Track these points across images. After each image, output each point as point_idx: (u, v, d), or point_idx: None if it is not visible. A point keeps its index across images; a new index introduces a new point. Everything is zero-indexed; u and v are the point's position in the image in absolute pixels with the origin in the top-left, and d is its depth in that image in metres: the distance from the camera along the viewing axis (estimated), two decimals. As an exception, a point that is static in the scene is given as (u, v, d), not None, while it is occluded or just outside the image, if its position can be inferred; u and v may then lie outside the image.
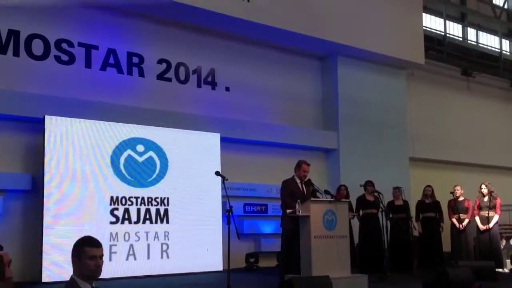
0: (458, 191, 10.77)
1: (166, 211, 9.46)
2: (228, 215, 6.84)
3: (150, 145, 9.52)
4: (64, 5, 9.44)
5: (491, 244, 10.29)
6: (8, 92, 8.59)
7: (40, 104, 8.71)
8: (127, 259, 8.93)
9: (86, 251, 2.99)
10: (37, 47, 9.20)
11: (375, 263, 9.44)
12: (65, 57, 9.46)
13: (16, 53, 8.99)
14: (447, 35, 15.65)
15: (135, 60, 10.25)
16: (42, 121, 8.48)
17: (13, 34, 8.98)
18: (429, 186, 10.73)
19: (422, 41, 13.79)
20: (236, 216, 7.97)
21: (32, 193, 8.67)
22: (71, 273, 3.09)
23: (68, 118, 8.73)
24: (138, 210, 9.19)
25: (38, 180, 8.60)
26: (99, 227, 8.71)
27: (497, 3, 17.97)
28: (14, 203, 8.59)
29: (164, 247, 9.33)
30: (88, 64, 9.68)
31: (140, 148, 9.43)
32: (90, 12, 9.75)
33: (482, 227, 10.39)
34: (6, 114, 8.56)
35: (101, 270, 3.02)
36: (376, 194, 9.48)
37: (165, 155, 9.66)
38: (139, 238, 9.10)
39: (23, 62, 9.04)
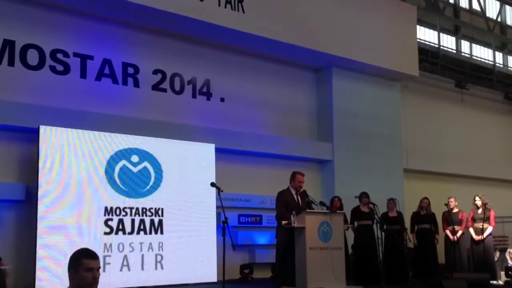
0: (452, 203, 10.80)
1: (160, 221, 9.42)
2: (223, 226, 6.84)
3: (144, 155, 9.50)
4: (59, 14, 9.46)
5: (485, 256, 10.30)
6: (2, 102, 8.55)
7: (35, 114, 8.68)
8: (121, 270, 8.87)
9: (84, 263, 2.98)
10: (32, 57, 9.19)
11: (370, 275, 9.44)
12: (60, 67, 9.45)
13: (11, 63, 8.96)
14: (441, 47, 15.74)
15: (130, 70, 10.25)
16: (36, 131, 8.44)
17: (8, 44, 8.96)
18: (425, 198, 10.75)
19: (416, 54, 13.86)
20: (230, 227, 7.96)
21: (26, 203, 8.62)
22: (66, 284, 3.07)
23: (63, 128, 8.69)
24: (133, 221, 9.14)
25: (32, 190, 8.56)
26: (93, 238, 8.66)
27: (491, 16, 18.11)
28: (7, 213, 8.53)
29: (158, 258, 9.28)
30: (83, 74, 9.67)
31: (135, 158, 9.40)
32: (85, 22, 9.75)
33: (476, 238, 10.41)
34: (0, 124, 8.52)
35: (98, 282, 3.01)
36: (371, 205, 9.49)
37: (160, 165, 9.63)
38: (133, 249, 9.05)
39: (18, 72, 9.02)
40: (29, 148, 8.72)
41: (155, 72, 10.55)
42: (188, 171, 9.90)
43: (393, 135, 13.52)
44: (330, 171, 12.47)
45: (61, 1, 9.34)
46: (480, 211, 10.54)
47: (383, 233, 9.18)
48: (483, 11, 17.68)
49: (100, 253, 8.36)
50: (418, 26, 14.60)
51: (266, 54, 11.85)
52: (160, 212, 9.44)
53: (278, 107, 12.12)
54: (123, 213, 9.06)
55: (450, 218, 10.68)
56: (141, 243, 9.14)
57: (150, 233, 9.28)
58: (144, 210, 9.29)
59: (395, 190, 12.10)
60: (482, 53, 17.59)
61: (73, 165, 8.69)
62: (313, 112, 12.87)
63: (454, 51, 16.70)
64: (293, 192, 8.06)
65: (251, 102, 11.66)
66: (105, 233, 8.83)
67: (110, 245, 8.82)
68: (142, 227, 9.21)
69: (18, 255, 8.39)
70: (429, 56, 15.21)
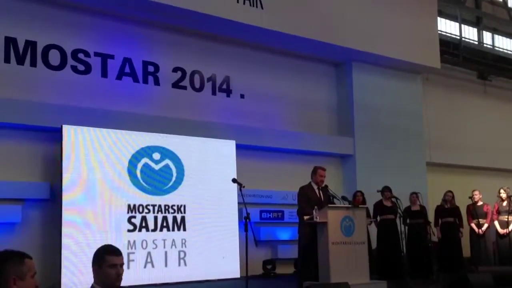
0: (477, 195, 10.69)
1: (183, 218, 9.47)
2: (245, 222, 6.85)
3: (166, 153, 9.55)
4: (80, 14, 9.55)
5: (511, 249, 10.18)
6: (25, 102, 8.67)
7: (57, 113, 8.78)
8: (145, 267, 8.94)
9: (107, 260, 3.01)
10: (54, 57, 9.29)
11: (393, 269, 9.39)
12: (81, 67, 9.54)
13: (33, 64, 9.07)
14: (463, 39, 15.54)
15: (151, 68, 10.31)
16: (59, 131, 8.54)
17: (30, 44, 9.07)
18: (449, 191, 10.64)
19: (437, 46, 13.69)
20: (252, 223, 7.97)
21: (51, 202, 8.73)
22: (91, 281, 3.10)
23: (85, 127, 8.79)
24: (155, 218, 9.21)
25: (56, 189, 8.66)
26: (117, 235, 8.74)
27: (513, 6, 17.83)
28: (32, 212, 8.65)
29: (182, 254, 9.34)
30: (104, 74, 9.75)
31: (156, 156, 9.46)
32: (105, 22, 9.83)
33: (501, 231, 10.29)
34: (23, 124, 8.63)
35: (121, 278, 3.03)
36: (393, 199, 9.43)
37: (181, 162, 9.68)
38: (156, 245, 9.11)
39: (40, 72, 9.12)
40: (53, 148, 8.83)
41: (175, 70, 10.59)
42: (209, 168, 9.93)
43: (415, 128, 13.39)
44: (352, 165, 12.40)
45: (81, 1, 9.42)
46: (505, 203, 10.43)
47: (406, 227, 9.12)
48: (505, 1, 17.38)
49: (124, 250, 8.43)
50: (438, 18, 14.42)
51: (285, 50, 11.81)
52: (182, 209, 9.49)
53: (298, 102, 12.08)
54: (146, 210, 9.13)
55: (474, 211, 10.57)
56: (164, 240, 9.20)
57: (173, 230, 9.34)
58: (167, 207, 9.35)
59: (418, 184, 11.99)
60: (505, 44, 17.31)
61: (95, 164, 8.78)
62: (334, 107, 12.81)
63: (476, 43, 16.46)
64: (315, 187, 8.03)
65: (271, 98, 11.64)
66: (129, 231, 8.91)
67: (134, 242, 8.90)
68: (165, 224, 9.28)
69: (43, 253, 8.50)
70: (451, 48, 15.03)
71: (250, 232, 6.87)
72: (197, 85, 10.85)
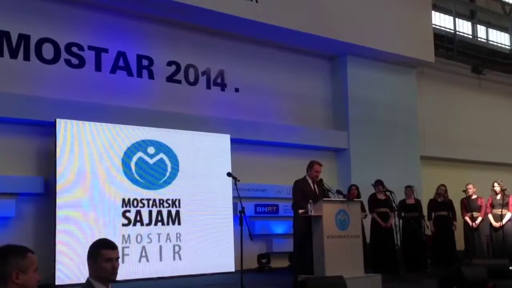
0: (471, 189, 10.74)
1: (177, 212, 9.46)
2: (240, 216, 6.86)
3: (160, 147, 9.53)
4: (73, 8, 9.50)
5: (505, 242, 10.24)
6: (19, 96, 8.62)
7: (51, 107, 8.74)
8: (139, 261, 8.93)
9: (103, 254, 3.00)
10: (48, 51, 9.23)
11: (388, 263, 9.42)
12: (75, 61, 9.49)
13: (26, 57, 9.01)
14: (457, 32, 15.55)
15: (145, 62, 10.27)
16: (53, 125, 8.50)
17: (24, 38, 9.00)
18: (442, 185, 10.69)
19: (431, 39, 13.71)
20: (247, 217, 7.98)
21: (45, 196, 8.69)
22: (85, 275, 3.09)
23: (79, 121, 8.75)
24: (150, 212, 9.20)
25: (50, 183, 8.63)
26: (112, 230, 8.72)
27: (506, 0, 17.84)
28: (26, 206, 8.61)
29: (176, 248, 9.34)
30: (98, 67, 9.71)
31: (151, 150, 9.44)
32: (99, 15, 9.77)
33: (495, 224, 10.34)
34: (17, 118, 8.59)
35: (117, 272, 3.03)
36: (387, 193, 9.45)
37: (176, 156, 9.66)
38: (151, 240, 9.11)
39: (34, 66, 9.07)
40: (47, 142, 8.79)
41: (169, 63, 10.56)
42: (204, 162, 9.92)
43: (409, 122, 13.42)
44: (346, 159, 12.41)
45: (74, -6, 9.38)
46: (498, 197, 10.47)
47: (400, 221, 9.15)
48: (499, -6, 17.42)
49: (118, 245, 8.32)
50: (433, 12, 14.43)
51: (280, 43, 11.79)
52: (177, 203, 9.48)
53: (293, 96, 12.07)
54: (140, 204, 9.12)
55: (469, 205, 10.62)
56: (159, 234, 9.19)
57: (168, 224, 9.33)
58: (161, 201, 9.34)
59: (412, 177, 12.03)
60: (499, 38, 17.33)
61: (90, 158, 8.75)
62: (329, 101, 12.81)
63: (470, 36, 16.48)
64: (310, 181, 8.04)
65: (266, 92, 11.63)
66: (123, 225, 8.89)
67: (129, 236, 8.89)
68: (159, 218, 9.27)
69: (37, 247, 8.39)
70: (445, 42, 15.03)
71: (245, 226, 6.88)
72: (191, 79, 10.82)
